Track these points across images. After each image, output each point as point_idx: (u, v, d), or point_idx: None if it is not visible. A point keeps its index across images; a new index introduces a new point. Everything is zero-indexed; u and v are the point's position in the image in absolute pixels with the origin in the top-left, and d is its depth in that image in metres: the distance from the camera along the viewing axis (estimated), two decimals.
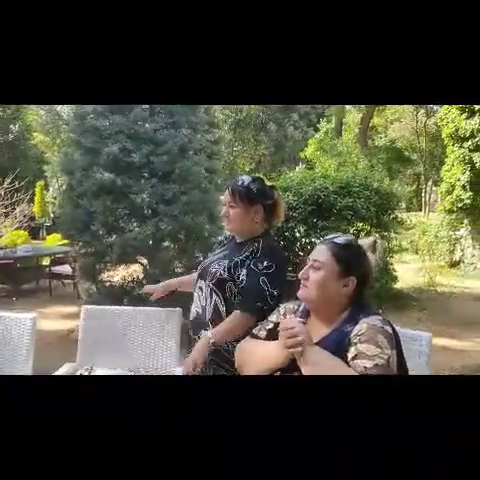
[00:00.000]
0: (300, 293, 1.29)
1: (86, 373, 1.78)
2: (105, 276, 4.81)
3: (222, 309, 1.62)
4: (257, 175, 1.80)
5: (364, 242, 1.34)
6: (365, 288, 1.29)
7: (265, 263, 1.58)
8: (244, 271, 1.59)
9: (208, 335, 1.55)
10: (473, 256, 8.21)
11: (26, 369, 1.78)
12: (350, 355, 1.14)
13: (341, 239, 1.31)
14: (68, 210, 4.51)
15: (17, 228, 9.07)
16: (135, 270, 5.01)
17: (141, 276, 4.91)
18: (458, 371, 3.55)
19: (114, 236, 4.36)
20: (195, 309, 1.71)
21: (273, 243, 1.74)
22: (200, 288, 1.70)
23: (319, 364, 1.14)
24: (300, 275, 1.30)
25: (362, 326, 1.17)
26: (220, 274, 1.62)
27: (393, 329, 1.20)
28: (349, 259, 1.27)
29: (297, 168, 11.10)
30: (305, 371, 1.15)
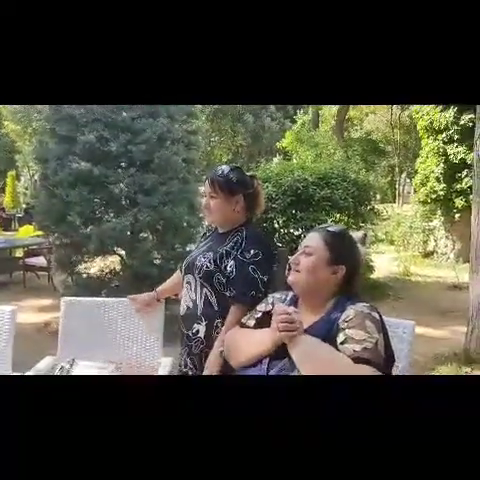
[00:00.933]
0: (290, 278, 1.31)
1: (68, 366, 1.75)
2: (82, 268, 4.72)
3: (213, 301, 1.61)
4: (235, 165, 1.79)
5: (355, 234, 1.37)
6: (354, 278, 1.31)
7: (252, 252, 1.58)
8: (232, 262, 1.58)
9: (216, 344, 1.54)
10: (446, 246, 8.42)
11: (6, 363, 1.73)
12: (339, 340, 1.17)
13: (334, 227, 1.35)
14: (43, 200, 4.38)
15: None
16: (113, 261, 4.93)
17: (119, 268, 4.84)
18: (431, 358, 3.66)
19: (91, 227, 4.27)
20: (185, 304, 1.69)
21: (257, 231, 1.74)
22: (188, 283, 1.69)
23: (309, 350, 1.16)
24: (291, 260, 1.32)
25: (350, 312, 1.20)
26: (207, 267, 1.61)
27: (379, 315, 1.23)
28: (340, 247, 1.30)
29: (275, 159, 11.11)
30: (295, 357, 1.16)
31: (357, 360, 1.12)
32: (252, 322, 1.39)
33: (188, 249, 4.88)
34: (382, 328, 1.20)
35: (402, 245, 9.39)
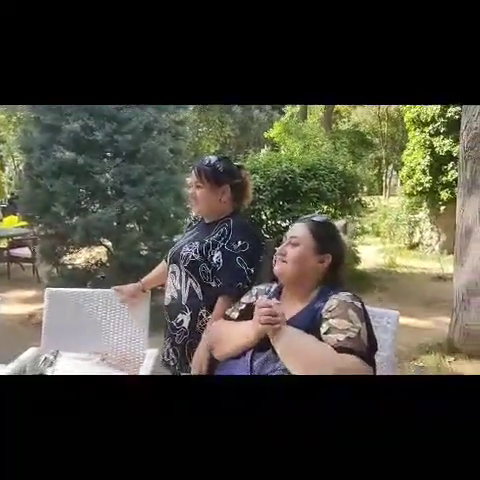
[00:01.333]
0: (277, 268, 1.32)
1: (51, 357, 1.73)
2: (67, 259, 4.67)
3: (198, 291, 1.60)
4: (223, 155, 1.77)
5: (337, 224, 1.39)
6: (339, 266, 1.33)
7: (239, 243, 1.57)
8: (218, 253, 1.57)
9: (204, 336, 1.53)
10: (431, 238, 8.52)
11: None
12: (323, 330, 1.17)
13: (318, 217, 1.37)
14: (27, 190, 4.31)
15: None
16: (99, 252, 4.89)
17: (105, 259, 4.80)
18: (415, 348, 3.72)
19: (76, 217, 4.22)
20: (169, 294, 1.68)
21: (244, 222, 1.73)
22: (173, 272, 1.67)
23: (291, 342, 1.16)
24: (278, 251, 1.33)
25: (333, 302, 1.21)
26: (192, 257, 1.59)
27: (362, 304, 1.24)
28: (326, 236, 1.31)
29: (262, 150, 11.07)
30: (278, 349, 1.17)
31: (340, 350, 1.12)
32: (236, 314, 1.39)
33: (175, 240, 4.84)
34: (365, 317, 1.21)
35: (388, 237, 9.48)
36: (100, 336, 1.97)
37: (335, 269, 1.31)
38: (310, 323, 1.20)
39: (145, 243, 4.63)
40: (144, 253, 4.58)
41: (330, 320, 1.17)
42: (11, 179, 17.92)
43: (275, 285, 1.39)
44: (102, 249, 4.77)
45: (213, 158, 1.67)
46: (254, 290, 1.43)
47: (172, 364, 1.66)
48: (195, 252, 1.60)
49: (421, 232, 8.84)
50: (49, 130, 4.07)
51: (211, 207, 1.66)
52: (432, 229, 8.49)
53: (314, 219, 1.35)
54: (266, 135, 14.93)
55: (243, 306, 1.39)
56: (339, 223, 1.39)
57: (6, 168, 18.95)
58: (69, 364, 1.72)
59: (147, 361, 1.85)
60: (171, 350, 1.66)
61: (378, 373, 1.36)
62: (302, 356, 1.14)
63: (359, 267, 6.35)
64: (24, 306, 4.82)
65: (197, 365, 1.49)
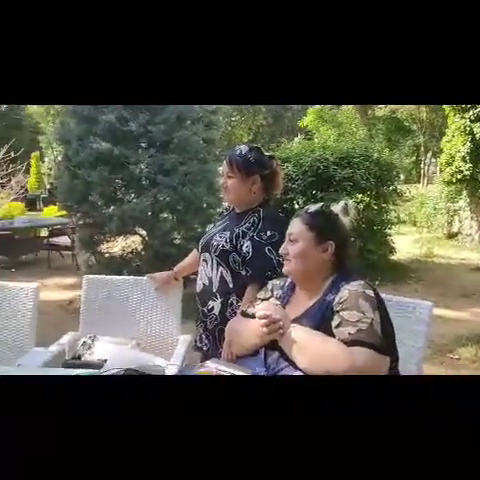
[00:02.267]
0: (284, 269, 1.32)
1: (89, 341, 1.80)
2: (104, 247, 4.81)
3: (229, 279, 1.63)
4: (255, 145, 1.77)
5: (335, 207, 1.36)
6: (345, 251, 1.30)
7: (268, 233, 1.58)
8: (248, 243, 1.59)
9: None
10: (471, 227, 8.23)
11: (30, 338, 1.80)
12: (334, 323, 1.16)
13: (312, 207, 1.34)
14: (65, 181, 4.46)
15: (13, 199, 9.02)
16: (134, 241, 5.01)
17: (140, 247, 4.92)
18: (452, 340, 3.63)
19: (112, 207, 4.34)
20: (201, 281, 1.72)
21: (274, 212, 1.73)
22: (205, 261, 1.71)
23: (299, 342, 1.16)
24: (280, 251, 1.33)
25: (344, 293, 1.19)
26: (222, 246, 1.62)
27: (376, 292, 1.21)
28: (322, 224, 1.29)
29: (295, 139, 10.96)
30: (287, 351, 1.17)
31: (352, 343, 1.10)
32: (252, 310, 1.37)
33: (207, 229, 4.90)
34: (378, 306, 1.18)
35: (425, 226, 9.22)
36: (134, 322, 2.04)
37: (342, 254, 1.29)
38: (322, 317, 1.19)
39: (178, 232, 4.72)
40: (177, 242, 4.67)
41: (341, 312, 1.15)
42: (50, 170, 18.51)
43: (289, 279, 1.39)
44: (137, 238, 4.88)
45: (244, 148, 1.68)
46: (269, 285, 1.44)
47: (205, 349, 1.70)
48: (225, 241, 1.63)
49: (460, 221, 8.54)
50: (86, 121, 4.18)
51: (241, 197, 1.68)
52: (472, 218, 8.19)
53: (308, 211, 1.33)
54: (300, 123, 14.74)
55: (259, 302, 1.39)
56: (338, 206, 1.36)
57: (46, 159, 19.57)
58: (106, 348, 1.79)
59: (180, 346, 1.90)
60: (204, 335, 1.71)
61: (407, 365, 1.34)
62: (312, 354, 1.13)
63: (394, 257, 6.23)
64: (64, 292, 5.02)
65: (225, 355, 1.52)
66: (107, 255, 4.81)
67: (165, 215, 4.63)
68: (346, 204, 1.36)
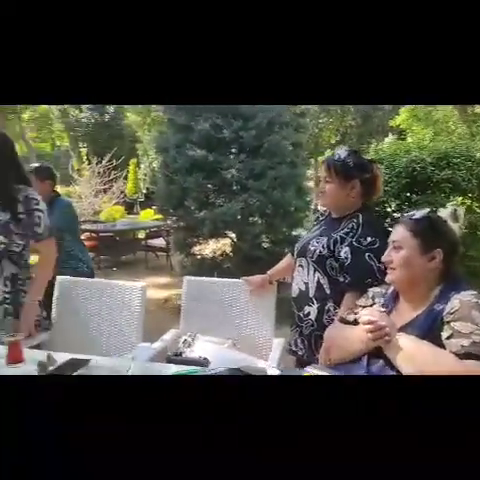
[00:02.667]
0: (388, 277, 1.29)
1: (190, 339, 1.91)
2: (196, 249, 5.03)
3: (325, 285, 1.64)
4: (353, 148, 1.75)
5: (444, 213, 1.31)
6: (453, 259, 1.24)
7: (368, 239, 1.55)
8: (346, 248, 1.58)
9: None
10: None
11: (138, 333, 1.95)
12: (445, 334, 1.11)
13: (418, 214, 1.29)
14: (162, 187, 4.74)
15: (114, 203, 9.79)
16: (224, 244, 5.17)
17: (230, 250, 5.06)
18: None
19: (204, 211, 4.52)
20: (297, 286, 1.74)
21: (374, 218, 1.70)
22: (301, 266, 1.72)
23: (406, 351, 1.12)
24: (383, 259, 1.30)
25: (454, 303, 1.13)
26: (320, 251, 1.63)
27: None
28: (428, 232, 1.24)
29: (386, 139, 10.51)
30: (392, 359, 1.14)
31: (465, 356, 1.05)
32: (352, 317, 1.36)
33: (294, 233, 4.92)
34: None
35: None
36: (230, 322, 2.12)
37: (450, 262, 1.23)
38: (430, 327, 1.15)
39: (267, 236, 4.78)
40: (265, 246, 4.74)
41: (452, 323, 1.11)
42: (146, 175, 19.70)
43: (392, 288, 1.35)
44: (227, 241, 5.04)
45: (343, 152, 1.67)
46: (370, 292, 1.41)
47: (300, 353, 1.72)
48: (323, 247, 1.63)
49: None
50: (182, 130, 4.41)
51: (339, 202, 1.67)
52: None
53: (413, 217, 1.28)
54: (391, 123, 14.11)
55: (359, 309, 1.37)
56: (446, 212, 1.29)
57: (141, 165, 20.86)
58: (205, 347, 1.89)
59: (274, 350, 1.94)
60: (299, 340, 1.72)
61: None
62: (420, 365, 1.09)
63: None
64: (159, 291, 5.33)
65: (323, 361, 1.52)
66: (199, 257, 5.02)
67: (254, 219, 4.72)
68: (455, 210, 1.31)
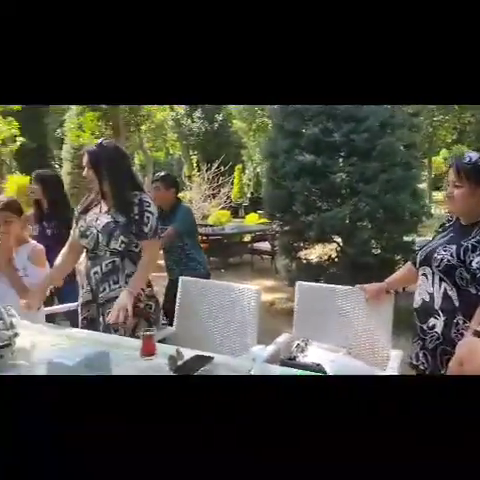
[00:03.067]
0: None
1: (303, 344, 1.92)
2: (302, 254, 5.01)
3: (454, 297, 1.52)
4: None
5: None
6: None
7: None
8: (479, 258, 1.46)
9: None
10: None
11: (253, 333, 2.01)
12: None
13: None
14: (270, 191, 4.82)
15: (222, 208, 10.21)
16: (331, 249, 5.08)
17: (335, 255, 4.96)
18: None
19: (312, 215, 4.49)
20: (420, 297, 1.65)
21: None
22: (424, 275, 1.63)
23: None
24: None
25: None
26: (448, 260, 1.52)
27: None
28: None
29: None
30: None
31: None
32: None
33: (406, 239, 4.66)
34: None
35: None
36: (344, 330, 2.07)
37: None
38: None
39: (377, 242, 4.59)
40: (376, 252, 4.55)
41: None
42: (250, 180, 20.22)
43: None
44: (334, 246, 4.94)
45: (474, 155, 1.55)
46: None
47: (422, 368, 1.62)
48: (451, 255, 1.52)
49: None
50: (292, 136, 4.44)
51: (470, 208, 1.55)
52: None
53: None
54: None
55: None
56: None
57: (246, 171, 21.45)
58: (318, 353, 1.88)
59: (392, 361, 1.85)
60: (421, 354, 1.63)
61: None
62: None
63: None
64: (265, 294, 5.42)
65: (454, 372, 1.42)
66: (304, 261, 4.99)
67: (363, 224, 4.57)
68: None
